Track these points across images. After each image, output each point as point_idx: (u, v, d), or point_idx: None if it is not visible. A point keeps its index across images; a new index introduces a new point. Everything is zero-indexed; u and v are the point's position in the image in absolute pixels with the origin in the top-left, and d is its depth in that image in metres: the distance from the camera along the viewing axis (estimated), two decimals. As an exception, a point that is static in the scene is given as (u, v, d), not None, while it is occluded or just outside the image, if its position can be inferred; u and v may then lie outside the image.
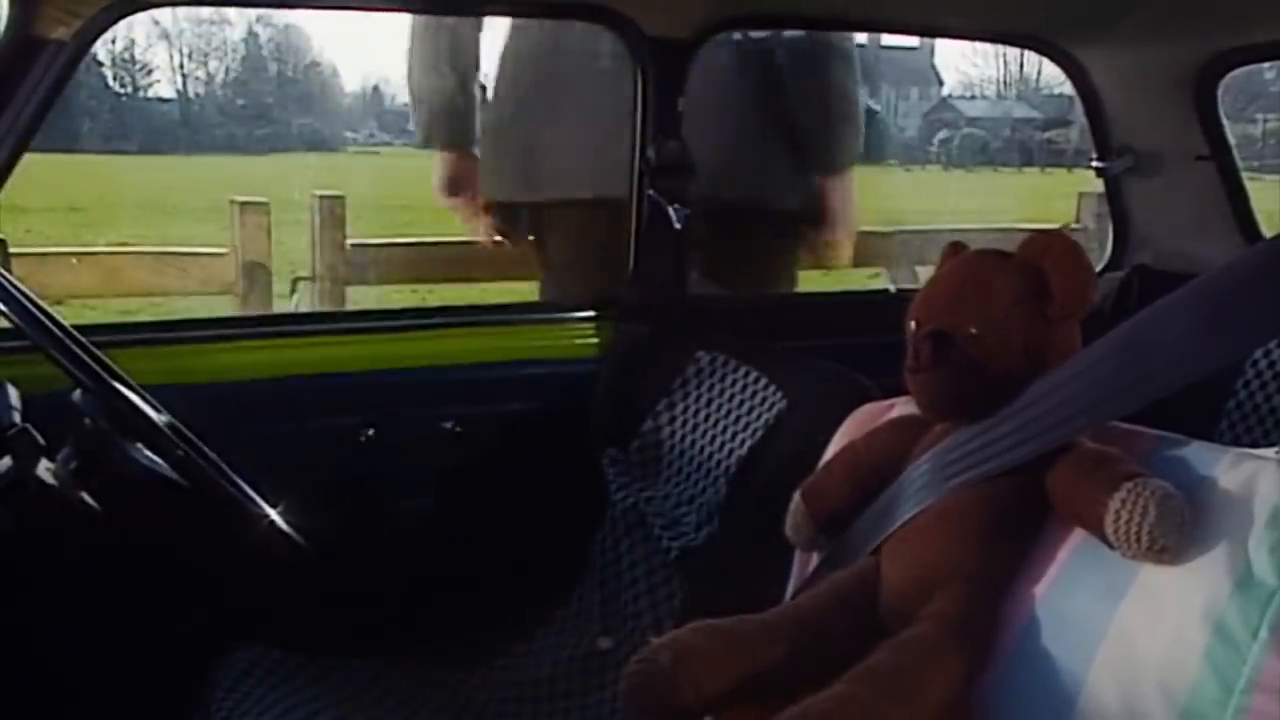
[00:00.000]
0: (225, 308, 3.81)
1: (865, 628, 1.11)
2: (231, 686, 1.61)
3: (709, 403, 1.86)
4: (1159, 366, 1.00)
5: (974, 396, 1.13)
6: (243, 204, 3.85)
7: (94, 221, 10.41)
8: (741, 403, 1.80)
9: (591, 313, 2.11)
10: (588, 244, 2.41)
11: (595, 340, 2.09)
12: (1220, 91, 2.24)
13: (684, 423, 1.89)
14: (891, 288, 2.56)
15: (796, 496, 1.30)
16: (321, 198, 3.95)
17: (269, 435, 1.81)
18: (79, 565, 1.65)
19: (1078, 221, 4.60)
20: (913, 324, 1.17)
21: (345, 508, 1.90)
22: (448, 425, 1.97)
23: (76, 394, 1.42)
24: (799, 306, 2.53)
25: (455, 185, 2.55)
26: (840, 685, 1.00)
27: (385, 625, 1.79)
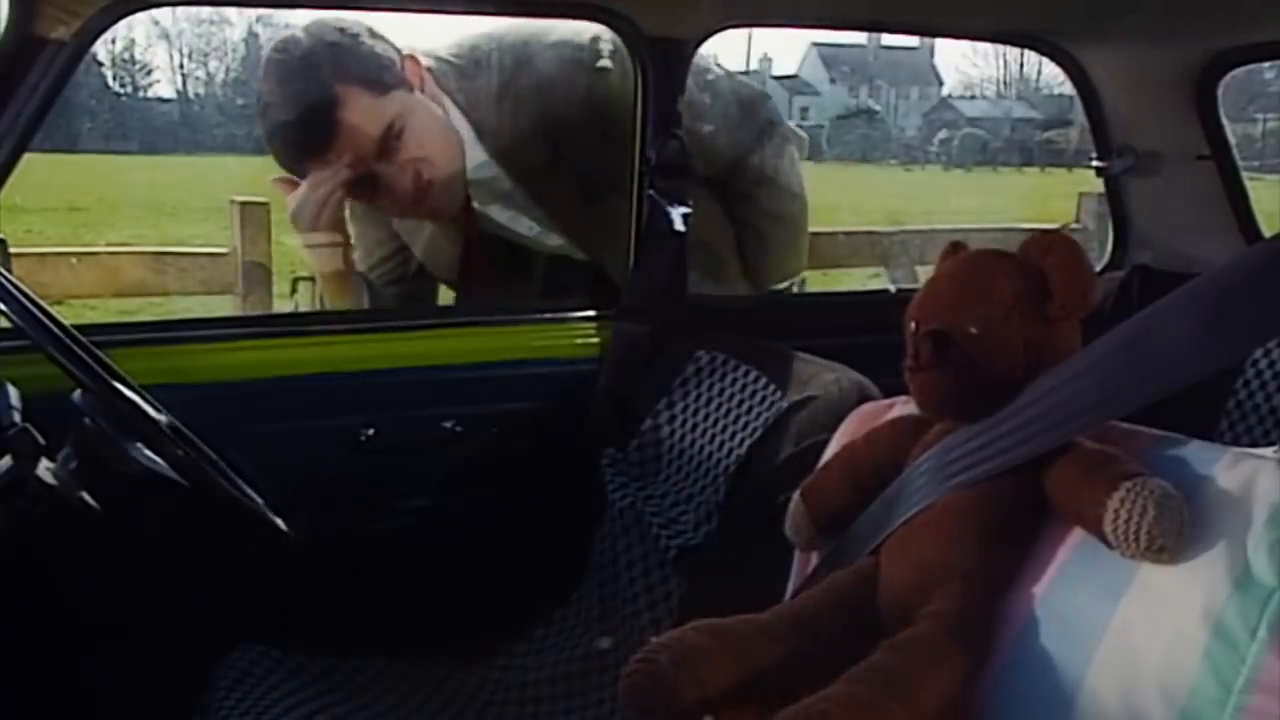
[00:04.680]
0: (225, 308, 3.81)
1: (865, 627, 1.11)
2: (231, 686, 1.61)
3: (708, 402, 1.86)
4: (1159, 366, 1.00)
5: (974, 396, 1.13)
6: (243, 204, 3.84)
7: (94, 221, 10.41)
8: (741, 402, 1.80)
9: (591, 313, 2.11)
10: None
11: (595, 340, 2.09)
12: (1220, 91, 2.24)
13: (683, 422, 1.89)
14: (891, 288, 2.55)
15: (796, 496, 1.30)
16: (321, 198, 3.93)
17: (269, 435, 1.81)
18: (79, 565, 1.65)
19: (1078, 221, 4.60)
20: (912, 323, 1.17)
21: (345, 508, 1.90)
22: (448, 425, 1.97)
23: (76, 394, 1.42)
24: (799, 306, 2.53)
25: None
26: (840, 685, 1.01)
27: (385, 625, 1.79)
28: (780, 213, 2.42)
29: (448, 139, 2.15)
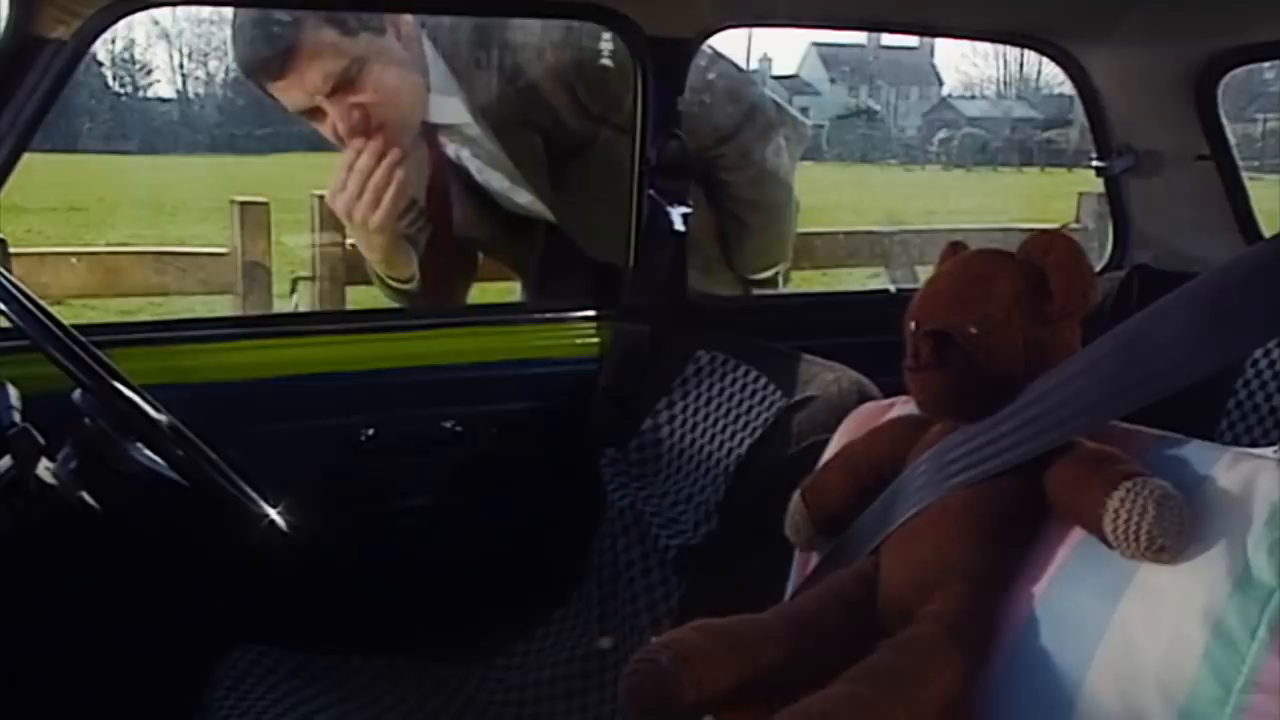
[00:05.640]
0: (225, 308, 3.81)
1: (865, 627, 1.11)
2: (231, 686, 1.61)
3: (708, 402, 1.86)
4: (1159, 366, 1.00)
5: (973, 396, 1.13)
6: (243, 204, 3.85)
7: (94, 221, 10.40)
8: (741, 402, 1.80)
9: (591, 313, 2.11)
10: None
11: (595, 340, 2.09)
12: (1220, 91, 2.24)
13: (683, 422, 1.89)
14: (891, 288, 2.55)
15: (796, 496, 1.30)
16: (321, 198, 3.94)
17: (269, 435, 1.81)
18: (79, 565, 1.65)
19: (1077, 221, 4.60)
20: (912, 323, 1.17)
21: (345, 508, 1.90)
22: (448, 425, 1.97)
23: (76, 394, 1.42)
24: (799, 306, 2.53)
25: None
26: (840, 684, 1.01)
27: (385, 625, 1.79)
28: (762, 200, 2.41)
29: (409, 88, 2.15)
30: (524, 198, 2.30)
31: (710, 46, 2.21)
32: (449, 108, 2.20)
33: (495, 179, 2.29)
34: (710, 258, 2.37)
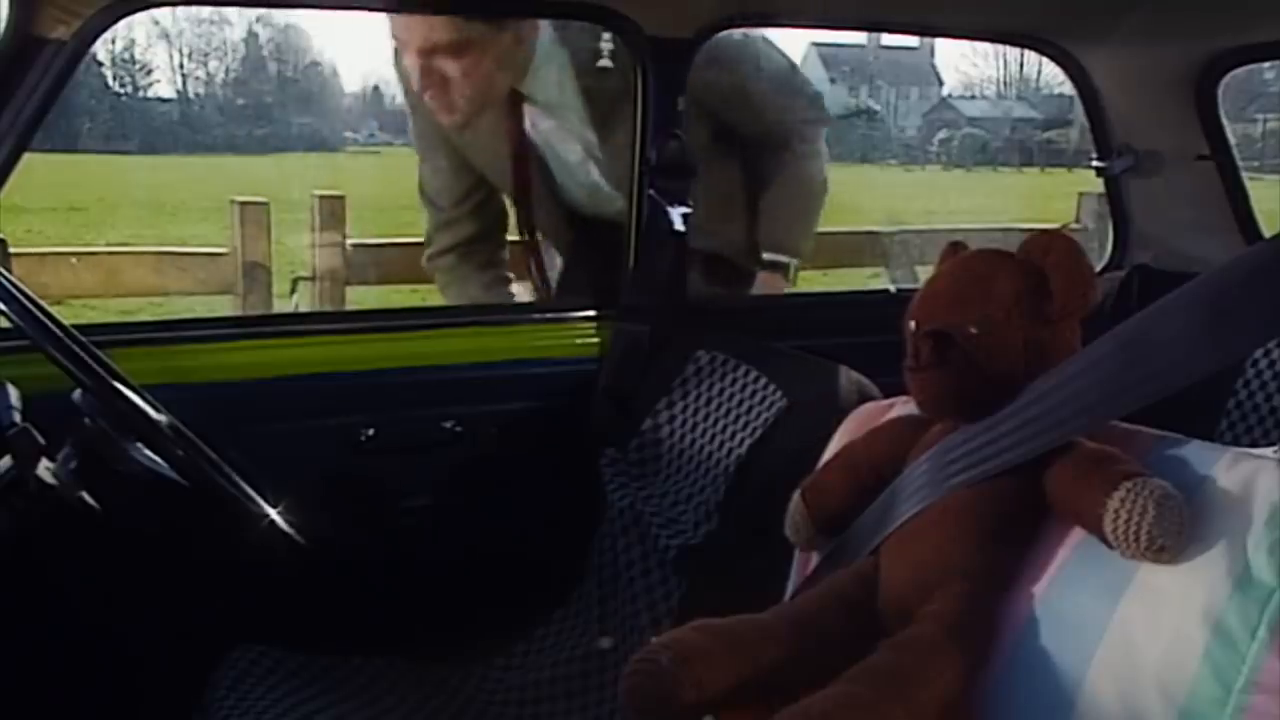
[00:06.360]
0: (225, 308, 3.81)
1: (865, 627, 1.11)
2: (231, 686, 1.61)
3: (708, 402, 1.86)
4: (1159, 366, 1.00)
5: (973, 396, 1.13)
6: (243, 204, 3.85)
7: (94, 221, 10.43)
8: (741, 402, 1.80)
9: (591, 313, 2.11)
10: None
11: (595, 340, 2.09)
12: (1220, 91, 2.24)
13: (683, 422, 1.89)
14: (891, 288, 2.55)
15: (796, 496, 1.30)
16: (321, 198, 3.96)
17: (269, 435, 1.81)
18: (79, 565, 1.65)
19: (1077, 221, 4.61)
20: (912, 323, 1.17)
21: (345, 508, 1.90)
22: (448, 425, 1.98)
23: (76, 394, 1.42)
24: (799, 306, 2.53)
25: None
26: (840, 684, 1.01)
27: (385, 625, 1.79)
28: (811, 180, 2.52)
29: (519, 70, 2.26)
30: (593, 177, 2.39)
31: (763, 37, 2.35)
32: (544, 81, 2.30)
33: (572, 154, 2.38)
34: (733, 225, 2.46)
